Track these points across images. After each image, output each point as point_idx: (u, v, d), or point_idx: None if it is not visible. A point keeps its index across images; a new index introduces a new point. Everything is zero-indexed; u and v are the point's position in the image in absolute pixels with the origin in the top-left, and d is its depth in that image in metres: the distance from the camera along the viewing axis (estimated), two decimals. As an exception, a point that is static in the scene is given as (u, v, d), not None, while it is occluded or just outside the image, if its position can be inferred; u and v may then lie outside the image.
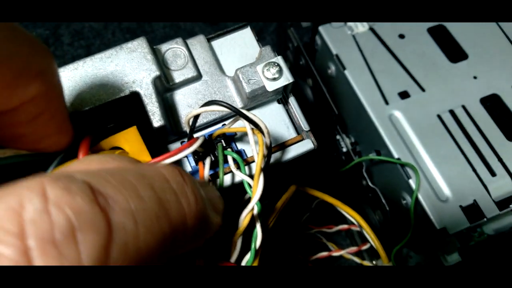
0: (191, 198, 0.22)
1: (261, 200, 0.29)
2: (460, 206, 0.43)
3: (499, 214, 0.43)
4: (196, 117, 0.30)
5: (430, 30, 0.52)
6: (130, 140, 0.28)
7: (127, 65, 0.31)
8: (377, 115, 0.47)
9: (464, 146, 0.45)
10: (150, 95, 0.31)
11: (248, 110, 0.34)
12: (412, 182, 0.44)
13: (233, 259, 0.30)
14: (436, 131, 0.46)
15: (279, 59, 0.31)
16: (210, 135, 0.32)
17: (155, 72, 0.31)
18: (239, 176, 0.30)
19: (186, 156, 0.32)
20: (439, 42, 0.51)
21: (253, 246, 0.30)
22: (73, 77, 0.31)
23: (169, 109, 0.33)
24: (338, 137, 0.56)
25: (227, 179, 0.32)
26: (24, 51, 0.21)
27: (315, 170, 0.56)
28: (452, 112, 0.47)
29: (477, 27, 0.52)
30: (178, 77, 0.33)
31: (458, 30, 0.52)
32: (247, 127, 0.28)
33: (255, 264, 0.31)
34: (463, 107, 0.47)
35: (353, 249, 0.50)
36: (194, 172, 0.32)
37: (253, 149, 0.29)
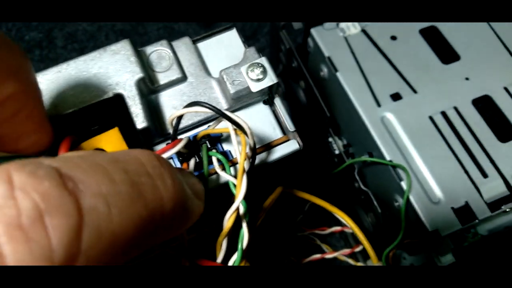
0: (168, 182, 0.21)
1: (248, 200, 0.28)
2: (452, 208, 0.43)
3: (491, 215, 0.43)
4: (180, 118, 0.29)
5: (422, 32, 0.52)
6: (112, 141, 0.28)
7: (110, 67, 0.31)
8: (369, 117, 0.47)
9: (456, 147, 0.45)
10: (133, 97, 0.30)
11: (234, 111, 0.34)
12: (404, 184, 0.44)
13: (219, 259, 0.30)
14: (428, 132, 0.46)
15: (263, 60, 0.31)
16: (195, 136, 0.32)
17: (138, 74, 0.31)
18: (224, 177, 0.30)
19: (171, 158, 0.32)
20: (431, 43, 0.51)
21: (239, 246, 0.30)
22: (57, 79, 0.31)
23: (154, 110, 0.33)
24: (330, 139, 0.56)
25: (212, 180, 0.31)
26: None
27: (307, 172, 0.56)
28: (444, 114, 0.47)
29: (469, 28, 0.52)
30: (162, 79, 0.33)
31: (450, 31, 0.52)
32: (230, 127, 0.28)
33: (242, 264, 0.30)
34: (455, 108, 0.47)
35: (347, 251, 0.50)
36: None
37: (236, 149, 0.29)
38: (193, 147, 0.31)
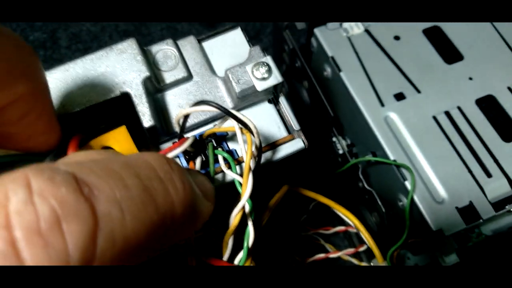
0: (179, 185, 0.22)
1: (253, 198, 0.29)
2: (456, 208, 0.43)
3: (495, 215, 0.43)
4: (186, 117, 0.30)
5: (426, 32, 0.52)
6: (119, 139, 0.28)
7: (117, 66, 0.31)
8: (372, 117, 0.47)
9: (459, 147, 0.45)
10: (140, 95, 0.31)
11: (239, 110, 0.34)
12: (408, 184, 0.44)
13: (225, 257, 0.30)
14: (432, 132, 0.46)
15: (268, 59, 0.31)
16: (201, 135, 0.32)
17: (145, 73, 0.31)
18: (230, 175, 0.30)
19: (178, 156, 0.32)
20: (434, 43, 0.51)
21: (245, 244, 0.30)
22: (64, 78, 0.31)
23: (160, 109, 0.33)
24: (334, 139, 0.56)
25: (218, 179, 0.32)
26: (10, 51, 0.22)
27: (311, 172, 0.56)
28: (447, 114, 0.47)
29: (472, 28, 0.52)
30: (168, 78, 0.33)
31: (454, 31, 0.52)
32: (236, 126, 0.28)
33: (248, 262, 0.31)
34: (459, 108, 0.47)
35: (350, 250, 0.50)
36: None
37: (242, 148, 0.29)
38: (199, 146, 0.32)
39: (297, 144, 0.33)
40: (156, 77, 0.33)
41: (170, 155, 0.27)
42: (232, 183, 0.30)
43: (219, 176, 0.32)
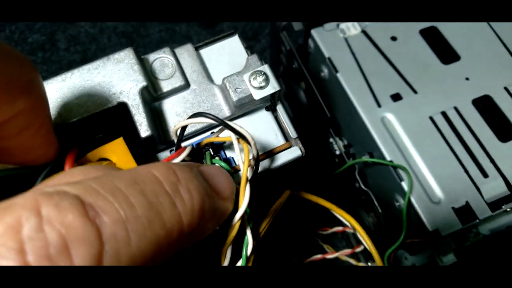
0: (185, 197, 0.22)
1: (252, 206, 0.29)
2: (453, 208, 0.43)
3: (492, 215, 0.43)
4: (184, 128, 0.30)
5: (422, 32, 0.52)
6: (116, 151, 0.28)
7: (114, 76, 0.32)
8: (369, 117, 0.47)
9: (456, 147, 0.46)
10: (137, 105, 0.31)
11: (237, 118, 0.34)
12: (404, 184, 0.44)
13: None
14: (429, 133, 0.47)
15: (266, 68, 0.32)
16: (198, 144, 0.32)
17: (142, 82, 0.31)
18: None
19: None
20: (431, 43, 0.51)
21: (244, 253, 0.30)
22: (61, 88, 0.31)
23: (157, 118, 0.33)
24: (331, 140, 0.56)
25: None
26: (11, 66, 0.22)
27: (308, 173, 0.57)
28: (444, 114, 0.47)
29: (469, 28, 0.52)
30: (166, 86, 0.33)
31: (450, 31, 0.52)
32: (233, 137, 0.29)
33: None
34: (455, 108, 0.47)
35: (348, 251, 0.50)
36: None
37: (239, 158, 0.29)
38: (196, 155, 0.32)
39: (295, 152, 0.33)
40: (153, 86, 0.33)
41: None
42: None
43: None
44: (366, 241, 0.44)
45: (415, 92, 0.49)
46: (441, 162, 0.45)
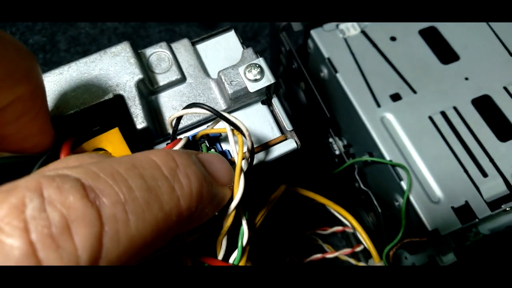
0: (184, 182, 0.23)
1: (247, 198, 0.29)
2: (452, 207, 0.43)
3: (491, 214, 0.43)
4: (179, 119, 0.30)
5: (422, 32, 0.52)
6: (112, 141, 0.29)
7: (111, 69, 0.32)
8: (369, 117, 0.47)
9: (455, 147, 0.45)
10: (133, 98, 0.31)
11: (233, 111, 0.35)
12: (404, 184, 0.44)
13: (220, 257, 0.31)
14: (428, 132, 0.46)
15: (261, 61, 0.32)
16: (194, 136, 0.32)
17: (138, 75, 0.32)
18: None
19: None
20: (430, 43, 0.51)
21: (239, 243, 0.30)
22: (59, 81, 0.31)
23: (153, 111, 0.33)
24: (330, 139, 0.56)
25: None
26: (11, 54, 0.23)
27: (308, 172, 0.57)
28: (443, 114, 0.47)
29: (468, 28, 0.52)
30: (162, 80, 0.34)
31: (449, 31, 0.52)
32: (227, 128, 0.29)
33: (243, 261, 0.31)
34: (455, 108, 0.47)
35: (347, 250, 0.50)
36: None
37: (233, 150, 0.29)
38: (192, 147, 0.32)
39: (290, 144, 0.33)
40: (150, 80, 0.33)
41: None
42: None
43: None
44: (365, 240, 0.44)
45: (414, 92, 0.49)
46: (441, 162, 0.45)
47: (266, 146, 0.33)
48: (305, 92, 0.58)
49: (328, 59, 0.51)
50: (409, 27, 0.53)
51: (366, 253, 0.53)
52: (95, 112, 0.31)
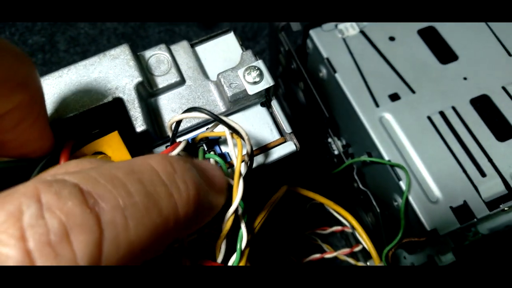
0: (182, 187, 0.22)
1: (246, 201, 0.29)
2: (451, 207, 0.43)
3: (490, 214, 0.43)
4: (178, 122, 0.30)
5: (420, 32, 0.52)
6: (112, 145, 0.29)
7: (110, 72, 0.32)
8: (367, 117, 0.48)
9: (454, 147, 0.46)
10: (132, 100, 0.31)
11: (232, 113, 0.35)
12: (402, 184, 0.44)
13: (219, 260, 0.31)
14: (426, 132, 0.46)
15: (260, 63, 0.32)
16: (194, 139, 0.32)
17: (137, 78, 0.32)
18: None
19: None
20: (429, 43, 0.52)
21: (238, 246, 0.30)
22: (58, 84, 0.31)
23: (153, 114, 0.34)
24: (329, 139, 0.56)
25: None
26: (8, 61, 0.22)
27: (307, 172, 0.57)
28: (442, 114, 0.47)
29: (467, 28, 0.52)
30: (161, 82, 0.34)
31: (448, 31, 0.52)
32: (226, 132, 0.29)
33: (242, 264, 0.31)
34: (453, 108, 0.47)
35: (346, 250, 0.50)
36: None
37: (232, 153, 0.29)
38: (191, 150, 0.32)
39: (289, 146, 0.34)
40: (149, 82, 0.33)
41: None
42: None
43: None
44: (365, 240, 0.44)
45: (413, 92, 0.49)
46: (439, 162, 0.45)
47: (265, 148, 0.33)
48: (304, 92, 0.58)
49: (327, 59, 0.51)
50: (408, 27, 0.53)
51: (365, 253, 0.54)
52: (94, 115, 0.31)
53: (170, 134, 0.31)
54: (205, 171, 0.26)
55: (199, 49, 0.37)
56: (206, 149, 0.32)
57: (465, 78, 0.49)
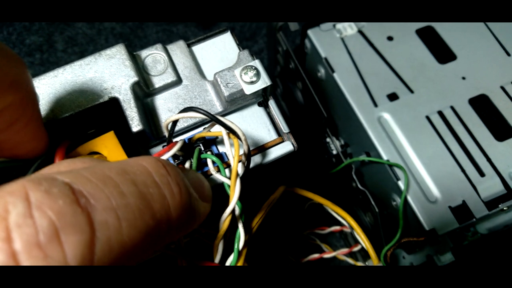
0: (175, 190, 0.22)
1: (244, 201, 0.29)
2: (449, 207, 0.43)
3: (489, 214, 0.43)
4: (175, 122, 0.30)
5: (419, 32, 0.52)
6: (107, 145, 0.28)
7: (106, 72, 0.32)
8: (366, 117, 0.47)
9: (453, 146, 0.45)
10: (128, 100, 0.31)
11: (229, 113, 0.34)
12: (401, 184, 0.44)
13: (217, 260, 0.31)
14: (425, 132, 0.46)
15: (257, 63, 0.32)
16: (190, 139, 0.32)
17: (133, 78, 0.31)
18: (219, 179, 0.30)
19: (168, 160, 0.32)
20: (427, 43, 0.51)
21: (236, 246, 0.30)
22: (53, 84, 0.31)
23: (149, 114, 0.33)
24: (328, 139, 0.56)
25: (208, 182, 0.32)
26: None
27: (306, 172, 0.56)
28: (440, 113, 0.47)
29: (466, 27, 0.52)
30: (158, 82, 0.33)
31: (447, 31, 0.52)
32: (223, 132, 0.29)
33: (239, 264, 0.31)
34: (452, 108, 0.47)
35: (345, 250, 0.50)
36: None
37: (229, 154, 0.29)
38: (188, 150, 0.32)
39: (287, 146, 0.33)
40: (145, 82, 0.33)
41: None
42: (222, 185, 0.30)
43: (209, 179, 0.32)
44: (363, 240, 0.44)
45: (411, 91, 0.49)
46: (438, 161, 0.45)
47: (262, 148, 0.33)
48: (302, 92, 0.58)
49: (325, 58, 0.51)
50: (406, 27, 0.53)
51: (363, 253, 0.53)
52: (90, 115, 0.31)
53: (166, 134, 0.30)
54: (192, 179, 0.26)
55: (196, 48, 0.36)
56: (202, 149, 0.32)
57: (463, 78, 0.49)
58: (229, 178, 0.29)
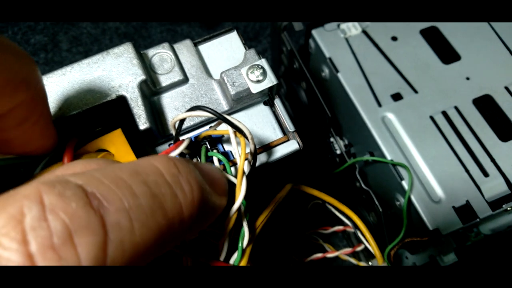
0: (186, 188, 0.22)
1: (250, 199, 0.29)
2: (453, 207, 0.43)
3: (492, 214, 0.43)
4: (182, 121, 0.30)
5: (423, 32, 0.52)
6: (115, 142, 0.29)
7: (113, 70, 0.32)
8: (370, 117, 0.48)
9: (456, 147, 0.46)
10: (136, 98, 0.31)
11: (235, 112, 0.35)
12: (405, 183, 0.44)
13: (221, 258, 0.31)
14: (429, 132, 0.46)
15: (263, 62, 0.32)
16: (197, 137, 0.32)
17: (141, 76, 0.32)
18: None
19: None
20: (431, 43, 0.52)
21: (240, 245, 0.30)
22: (61, 82, 0.31)
23: (156, 112, 0.34)
24: (332, 139, 0.56)
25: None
26: (9, 60, 0.22)
27: (309, 172, 0.57)
28: (444, 113, 0.47)
29: (470, 28, 0.52)
30: (165, 81, 0.34)
31: (451, 31, 0.52)
32: (230, 131, 0.29)
33: (243, 263, 0.31)
34: (456, 108, 0.47)
35: (348, 250, 0.50)
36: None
37: (235, 152, 0.29)
38: (194, 148, 0.32)
39: (292, 145, 0.33)
40: (152, 80, 0.33)
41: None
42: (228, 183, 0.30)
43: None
44: (368, 239, 0.44)
45: (415, 91, 0.49)
46: (442, 161, 0.45)
47: (268, 147, 0.33)
48: (307, 91, 0.58)
49: (329, 58, 0.51)
50: (410, 27, 0.53)
51: (366, 253, 0.54)
52: (97, 113, 0.31)
53: (173, 132, 0.31)
54: (206, 173, 0.26)
55: (202, 48, 0.37)
56: (209, 147, 0.32)
57: (467, 78, 0.49)
58: (235, 177, 0.29)
